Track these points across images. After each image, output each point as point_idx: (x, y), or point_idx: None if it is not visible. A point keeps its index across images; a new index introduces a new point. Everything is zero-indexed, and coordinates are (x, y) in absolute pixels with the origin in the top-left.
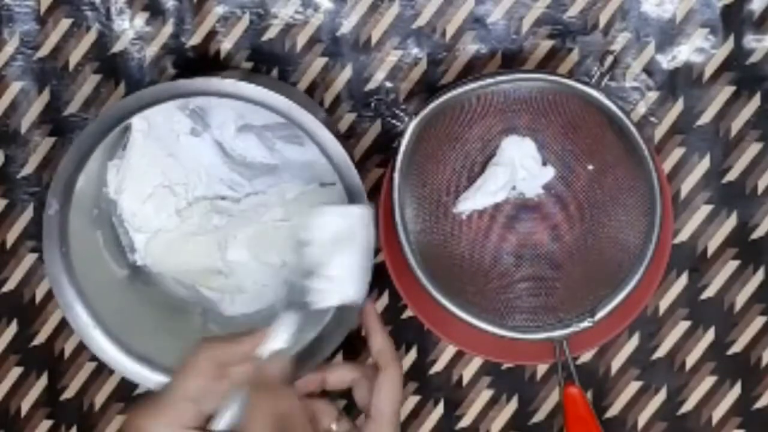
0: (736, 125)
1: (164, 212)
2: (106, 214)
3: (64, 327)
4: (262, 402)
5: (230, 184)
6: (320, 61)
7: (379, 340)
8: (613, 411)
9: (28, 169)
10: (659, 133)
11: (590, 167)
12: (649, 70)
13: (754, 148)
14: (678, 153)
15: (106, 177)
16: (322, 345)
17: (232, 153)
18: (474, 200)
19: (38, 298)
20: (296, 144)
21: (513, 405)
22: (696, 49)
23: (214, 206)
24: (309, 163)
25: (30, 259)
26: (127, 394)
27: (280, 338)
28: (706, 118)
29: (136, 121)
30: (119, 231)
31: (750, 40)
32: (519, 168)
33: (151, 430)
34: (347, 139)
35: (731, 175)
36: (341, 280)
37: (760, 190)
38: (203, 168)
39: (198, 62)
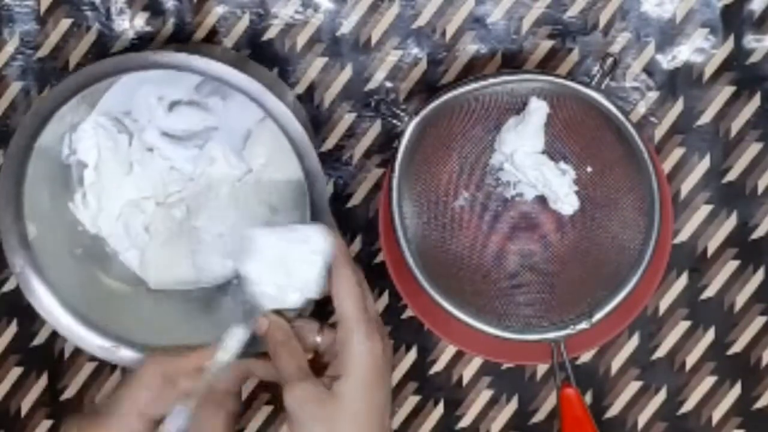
0: (736, 125)
1: (133, 230)
2: (93, 250)
3: None
4: (209, 412)
5: (180, 164)
6: (320, 61)
7: (337, 254)
8: (613, 411)
9: None
10: (659, 133)
11: (590, 167)
12: (649, 70)
13: (754, 148)
14: (678, 153)
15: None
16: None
17: (173, 134)
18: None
19: None
20: (226, 97)
21: (513, 405)
22: (696, 49)
23: (168, 205)
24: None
25: None
26: None
27: (227, 351)
28: (706, 118)
29: (83, 155)
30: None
31: (750, 40)
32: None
33: None
34: (348, 138)
35: (731, 175)
36: (290, 286)
37: (760, 190)
38: (158, 173)
39: None
